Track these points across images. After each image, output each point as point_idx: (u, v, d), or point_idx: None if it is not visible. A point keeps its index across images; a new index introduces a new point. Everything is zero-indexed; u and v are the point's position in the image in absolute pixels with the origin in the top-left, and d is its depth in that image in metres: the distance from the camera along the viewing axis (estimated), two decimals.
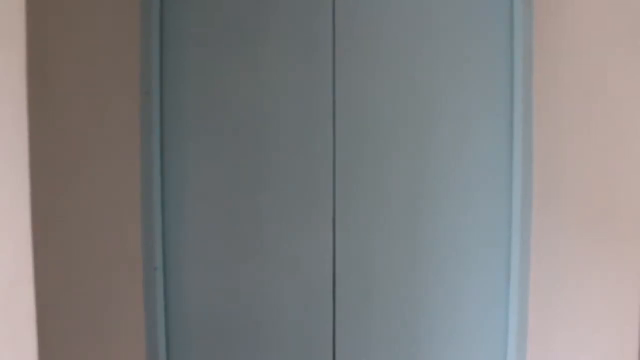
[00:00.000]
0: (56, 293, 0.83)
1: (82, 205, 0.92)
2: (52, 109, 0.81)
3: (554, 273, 1.07)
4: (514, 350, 1.14)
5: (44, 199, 0.77)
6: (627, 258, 0.97)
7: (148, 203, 1.12)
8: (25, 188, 0.72)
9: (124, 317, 1.09)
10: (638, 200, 0.98)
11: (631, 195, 0.99)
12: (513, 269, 1.16)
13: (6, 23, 0.69)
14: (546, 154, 1.07)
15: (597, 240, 1.01)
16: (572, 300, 1.05)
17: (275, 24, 1.60)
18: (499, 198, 1.24)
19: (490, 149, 1.30)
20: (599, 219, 1.01)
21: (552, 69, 1.06)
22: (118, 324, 1.07)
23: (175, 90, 1.22)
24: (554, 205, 1.06)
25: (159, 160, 1.16)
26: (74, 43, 0.90)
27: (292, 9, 1.62)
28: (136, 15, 1.09)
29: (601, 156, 1.01)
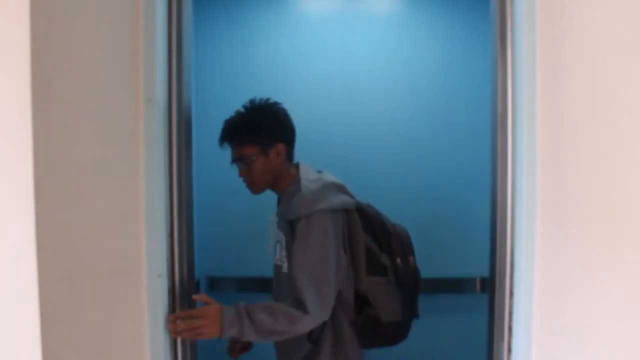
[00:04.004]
0: (60, 302, 0.83)
1: (86, 212, 0.92)
2: (55, 116, 0.81)
3: (559, 285, 1.07)
4: None
5: (47, 206, 0.77)
6: (636, 268, 0.96)
7: (152, 210, 1.12)
8: (30, 195, 0.73)
9: (127, 323, 1.09)
10: None
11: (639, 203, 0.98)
12: (517, 284, 1.15)
13: (10, 31, 0.70)
14: (550, 161, 1.06)
15: (604, 249, 1.00)
16: (578, 313, 1.04)
17: None
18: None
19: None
20: (606, 226, 1.01)
21: (556, 74, 1.06)
22: (121, 330, 1.07)
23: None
24: (559, 214, 1.06)
25: (162, 167, 1.17)
26: (77, 50, 0.90)
27: None
28: (139, 22, 1.09)
29: (608, 163, 1.00)
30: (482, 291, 2.35)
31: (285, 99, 2.52)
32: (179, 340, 1.28)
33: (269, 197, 2.20)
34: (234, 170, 2.74)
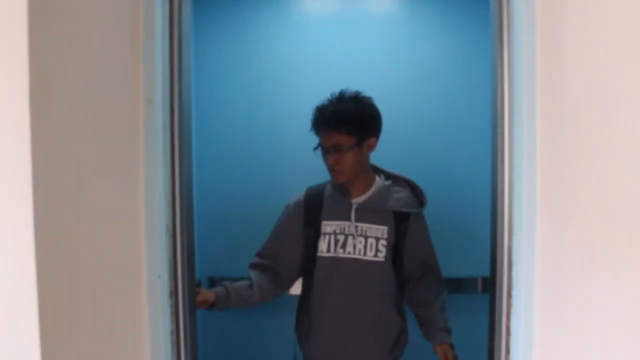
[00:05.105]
0: (59, 302, 0.83)
1: (85, 213, 0.92)
2: (54, 117, 0.81)
3: (559, 284, 1.06)
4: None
5: (46, 208, 0.77)
6: (637, 268, 0.96)
7: (152, 210, 1.12)
8: (28, 197, 0.73)
9: (127, 324, 1.09)
10: None
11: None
12: (517, 284, 1.15)
13: (8, 32, 0.70)
14: (550, 160, 1.06)
15: (604, 249, 1.00)
16: (578, 312, 1.04)
17: None
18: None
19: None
20: (606, 226, 1.00)
21: (556, 73, 1.05)
22: (121, 331, 1.07)
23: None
24: (559, 213, 1.06)
25: (162, 168, 1.17)
26: (76, 50, 0.90)
27: None
28: (139, 22, 1.09)
29: (608, 163, 1.00)
30: (484, 291, 2.34)
31: (285, 99, 2.52)
32: (181, 341, 1.28)
33: (269, 197, 2.20)
34: (234, 171, 2.73)
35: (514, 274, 1.17)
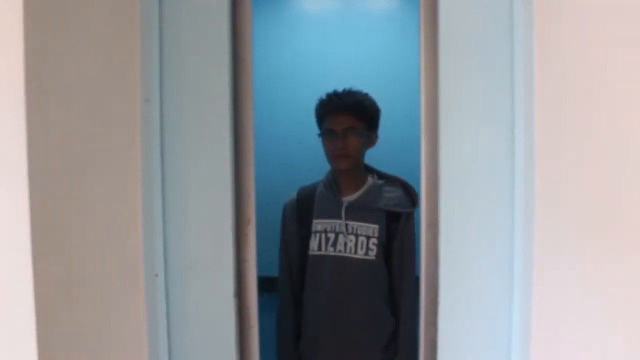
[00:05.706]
0: (56, 302, 0.83)
1: (83, 213, 0.92)
2: (51, 116, 0.81)
3: (558, 282, 1.06)
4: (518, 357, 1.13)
5: (43, 207, 0.76)
6: (635, 265, 0.95)
7: (149, 210, 1.11)
8: (25, 197, 0.72)
9: (125, 324, 1.09)
10: None
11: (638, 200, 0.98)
12: (516, 284, 1.15)
13: (4, 29, 0.70)
14: (549, 160, 1.06)
15: (604, 249, 1.00)
16: (578, 314, 1.04)
17: None
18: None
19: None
20: (606, 224, 1.00)
21: (554, 73, 1.05)
22: (119, 331, 1.07)
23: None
24: (558, 212, 1.05)
25: (159, 168, 1.17)
26: (73, 50, 0.90)
27: None
28: (136, 21, 1.09)
29: (607, 161, 1.00)
30: None
31: (284, 98, 2.52)
32: (249, 343, 1.28)
33: (269, 196, 2.19)
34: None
35: (441, 272, 1.17)
